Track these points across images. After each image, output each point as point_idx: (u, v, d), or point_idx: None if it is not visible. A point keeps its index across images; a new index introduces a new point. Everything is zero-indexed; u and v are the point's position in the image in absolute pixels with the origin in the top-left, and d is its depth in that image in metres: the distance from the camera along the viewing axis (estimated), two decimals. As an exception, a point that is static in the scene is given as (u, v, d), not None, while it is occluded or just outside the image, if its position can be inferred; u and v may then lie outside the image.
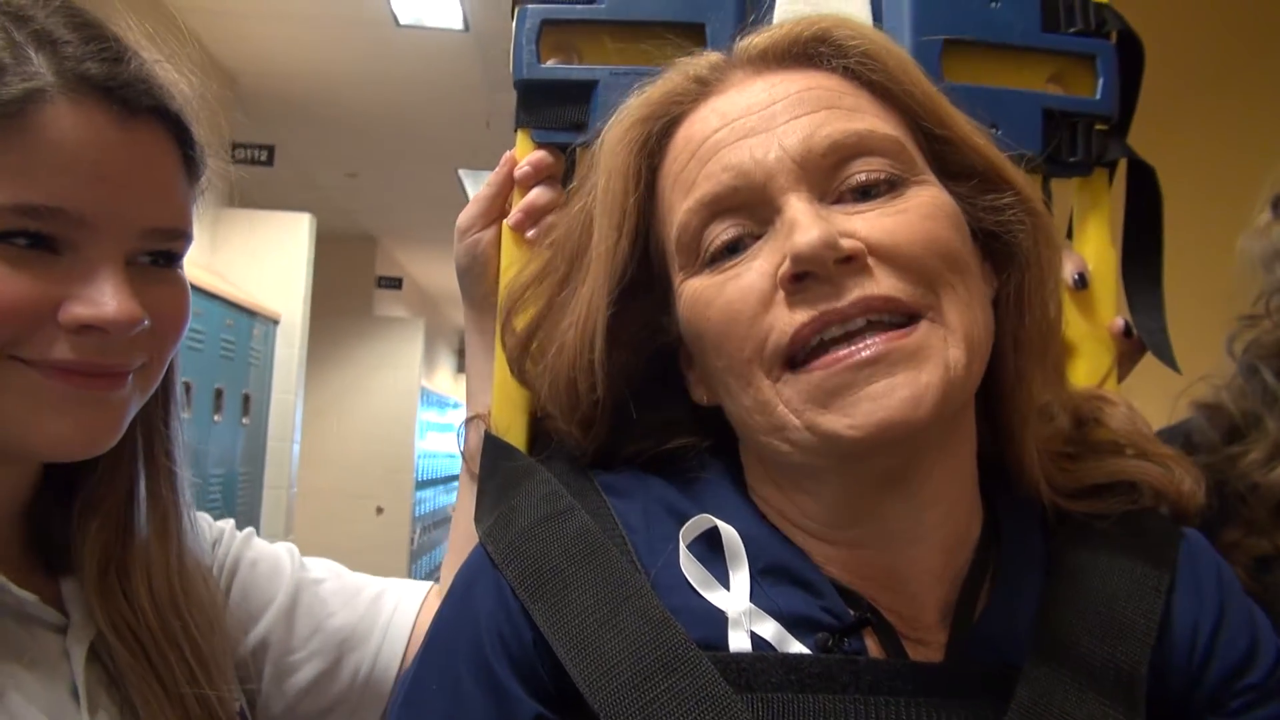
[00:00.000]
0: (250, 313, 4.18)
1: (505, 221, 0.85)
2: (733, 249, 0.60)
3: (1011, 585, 0.63)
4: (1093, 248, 0.90)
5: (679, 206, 0.62)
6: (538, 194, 0.84)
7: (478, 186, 6.29)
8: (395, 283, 7.88)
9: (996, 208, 0.63)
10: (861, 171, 0.59)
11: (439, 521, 8.54)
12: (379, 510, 6.74)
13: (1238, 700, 0.61)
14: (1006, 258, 0.64)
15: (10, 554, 0.70)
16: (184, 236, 0.69)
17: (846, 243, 0.56)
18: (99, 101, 0.62)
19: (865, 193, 0.59)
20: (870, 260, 0.57)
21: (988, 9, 0.85)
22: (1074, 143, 0.87)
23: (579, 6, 0.84)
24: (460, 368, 11.78)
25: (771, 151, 0.59)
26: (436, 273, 8.86)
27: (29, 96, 0.59)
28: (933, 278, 0.57)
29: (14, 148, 0.59)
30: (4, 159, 0.59)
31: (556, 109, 0.84)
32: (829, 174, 0.59)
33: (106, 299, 0.62)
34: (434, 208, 6.58)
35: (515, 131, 0.86)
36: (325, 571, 0.90)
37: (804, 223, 0.56)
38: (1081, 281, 0.87)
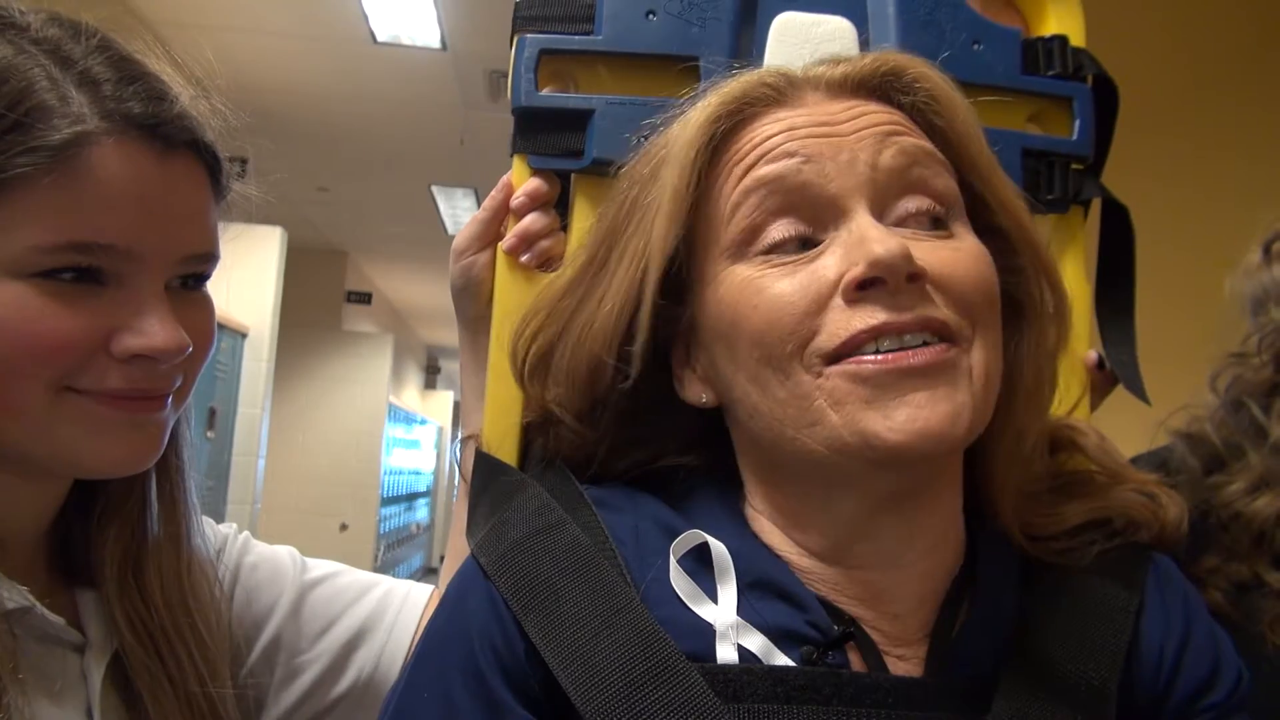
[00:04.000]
0: (219, 325, 4.14)
1: (500, 245, 0.87)
2: (785, 246, 0.61)
3: (989, 605, 0.65)
4: (1068, 282, 0.92)
5: (731, 191, 0.63)
6: (532, 220, 0.85)
7: (450, 203, 6.21)
8: (365, 298, 7.83)
9: (1014, 268, 0.65)
10: (916, 203, 0.61)
11: (403, 539, 8.46)
12: (343, 527, 6.67)
13: (1201, 718, 0.64)
14: (1014, 315, 0.66)
15: (35, 572, 0.71)
16: (213, 259, 0.72)
17: (919, 261, 0.58)
18: (141, 139, 0.64)
19: (918, 221, 0.61)
20: (928, 285, 0.59)
21: (970, 50, 0.89)
22: (1051, 181, 0.90)
23: (577, 37, 0.86)
24: (428, 384, 11.72)
25: (844, 152, 0.61)
26: (406, 288, 8.82)
27: (77, 140, 0.61)
28: (976, 315, 0.60)
29: (63, 187, 0.61)
30: (54, 198, 0.61)
31: (553, 136, 0.85)
32: (893, 195, 0.61)
33: (155, 328, 0.65)
34: (405, 223, 6.56)
35: (511, 156, 0.88)
36: (329, 568, 0.90)
37: (877, 234, 0.58)
38: None
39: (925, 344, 0.58)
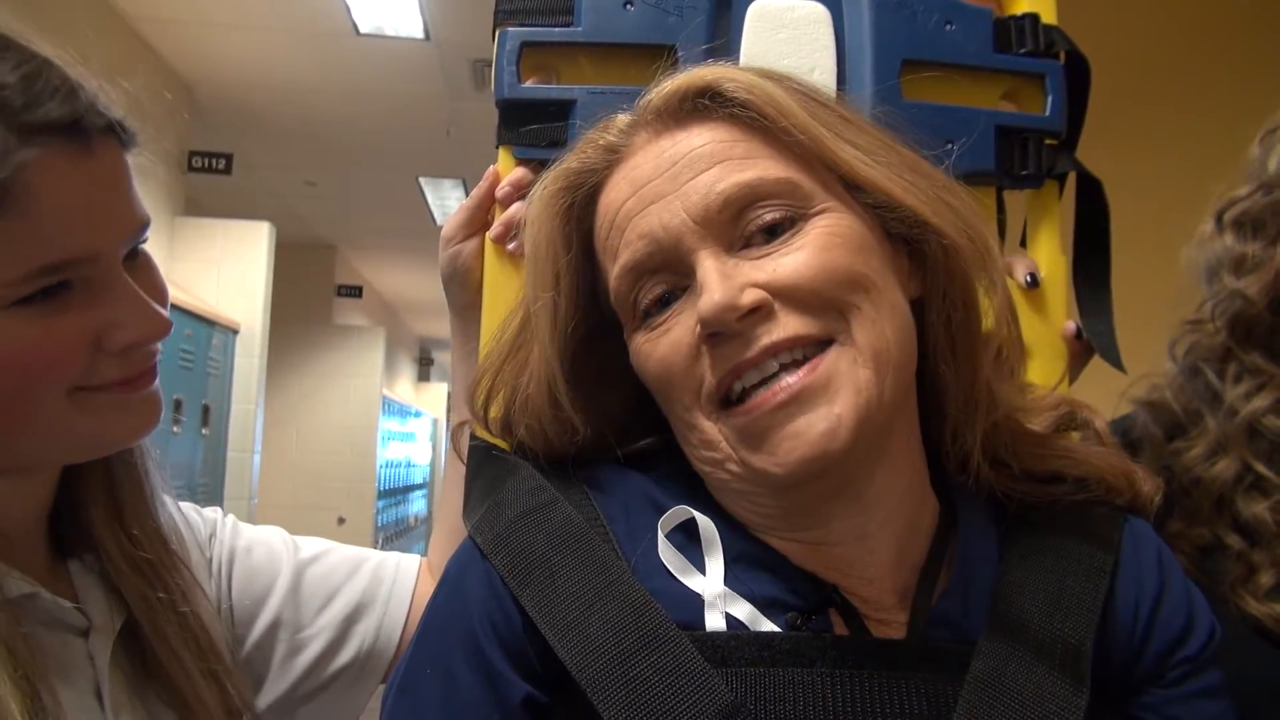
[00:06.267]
0: (209, 322, 4.14)
1: (487, 234, 0.88)
2: (664, 302, 0.65)
3: (968, 569, 0.67)
4: (1044, 255, 0.95)
5: (610, 272, 0.67)
6: (518, 208, 0.87)
7: (438, 194, 6.19)
8: (355, 291, 7.82)
9: (902, 218, 0.66)
10: (761, 215, 0.63)
11: (401, 531, 8.48)
12: (340, 520, 6.68)
13: (1175, 671, 0.66)
14: (923, 259, 0.68)
15: (36, 558, 0.73)
16: (148, 224, 0.73)
17: (747, 297, 0.60)
18: (65, 143, 0.64)
19: (772, 231, 0.63)
20: (776, 304, 0.61)
21: (943, 31, 0.91)
22: (1025, 157, 0.92)
23: (557, 29, 0.88)
24: (422, 376, 11.72)
25: (675, 216, 0.63)
26: (397, 281, 8.81)
27: (15, 171, 0.61)
28: (837, 305, 0.62)
29: (15, 219, 0.61)
30: (9, 231, 0.61)
31: (537, 127, 0.88)
32: (730, 224, 0.63)
33: (139, 318, 0.68)
34: (394, 216, 6.55)
35: (497, 148, 0.89)
36: (319, 547, 0.93)
37: (710, 283, 0.61)
38: (1033, 281, 0.93)
39: (785, 366, 0.61)
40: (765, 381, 0.61)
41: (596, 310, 0.71)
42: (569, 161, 0.71)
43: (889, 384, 0.62)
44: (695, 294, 0.63)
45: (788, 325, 0.61)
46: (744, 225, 0.63)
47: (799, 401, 0.60)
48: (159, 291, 0.73)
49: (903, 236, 0.67)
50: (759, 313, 0.61)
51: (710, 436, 0.64)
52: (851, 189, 0.66)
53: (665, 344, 0.64)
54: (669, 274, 0.64)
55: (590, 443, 0.72)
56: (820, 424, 0.59)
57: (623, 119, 0.71)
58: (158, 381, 0.74)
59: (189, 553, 0.82)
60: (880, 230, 0.66)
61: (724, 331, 0.61)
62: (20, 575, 0.68)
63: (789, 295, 0.61)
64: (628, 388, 0.71)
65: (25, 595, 0.68)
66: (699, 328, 0.61)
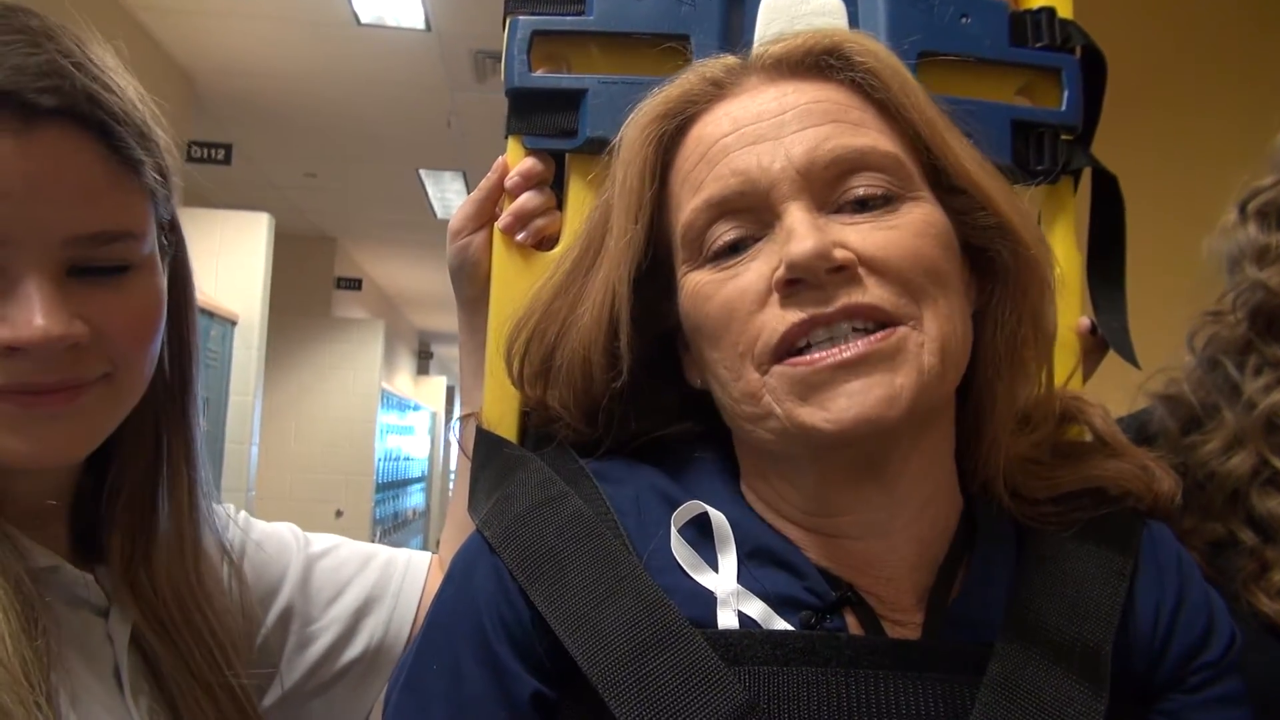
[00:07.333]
0: (207, 314, 4.12)
1: (496, 225, 0.87)
2: (734, 248, 0.63)
3: (986, 571, 0.66)
4: (1059, 251, 0.94)
5: (687, 204, 0.65)
6: (527, 199, 0.86)
7: (439, 187, 6.17)
8: (355, 284, 7.81)
9: (983, 226, 0.66)
10: (861, 186, 0.62)
11: (399, 524, 8.48)
12: (338, 513, 6.67)
13: (1195, 677, 0.65)
14: (990, 272, 0.67)
15: (60, 547, 0.71)
16: (124, 238, 0.64)
17: (839, 253, 0.59)
18: None
19: (863, 204, 0.62)
20: (861, 270, 0.60)
21: (959, 24, 0.89)
22: (1041, 152, 0.91)
23: (569, 18, 0.87)
24: (421, 370, 11.71)
25: (777, 160, 0.62)
26: (396, 273, 8.79)
27: None
28: (916, 291, 0.61)
29: None
30: None
31: (547, 116, 0.86)
32: (830, 185, 0.62)
33: (30, 318, 0.59)
34: (394, 208, 6.54)
35: (506, 137, 0.88)
36: (330, 541, 0.92)
37: (801, 232, 0.59)
38: None
39: (856, 330, 0.59)
40: (831, 340, 0.60)
41: (652, 248, 0.69)
42: (669, 90, 0.69)
43: (949, 377, 0.62)
44: (774, 242, 0.61)
45: (871, 292, 0.60)
46: (841, 190, 0.62)
47: (865, 363, 0.58)
48: (115, 317, 0.64)
49: (970, 247, 0.66)
50: (844, 273, 0.59)
51: (754, 389, 0.62)
52: (937, 186, 0.65)
53: (733, 287, 0.62)
54: (750, 218, 0.63)
55: (622, 385, 0.70)
56: (880, 389, 0.58)
57: (731, 59, 0.69)
58: (81, 406, 0.64)
59: (234, 616, 0.78)
60: (957, 234, 0.65)
61: (807, 280, 0.59)
62: (42, 549, 0.67)
63: (877, 267, 0.60)
64: (647, 339, 0.70)
65: (47, 568, 0.66)
66: (781, 272, 0.60)
